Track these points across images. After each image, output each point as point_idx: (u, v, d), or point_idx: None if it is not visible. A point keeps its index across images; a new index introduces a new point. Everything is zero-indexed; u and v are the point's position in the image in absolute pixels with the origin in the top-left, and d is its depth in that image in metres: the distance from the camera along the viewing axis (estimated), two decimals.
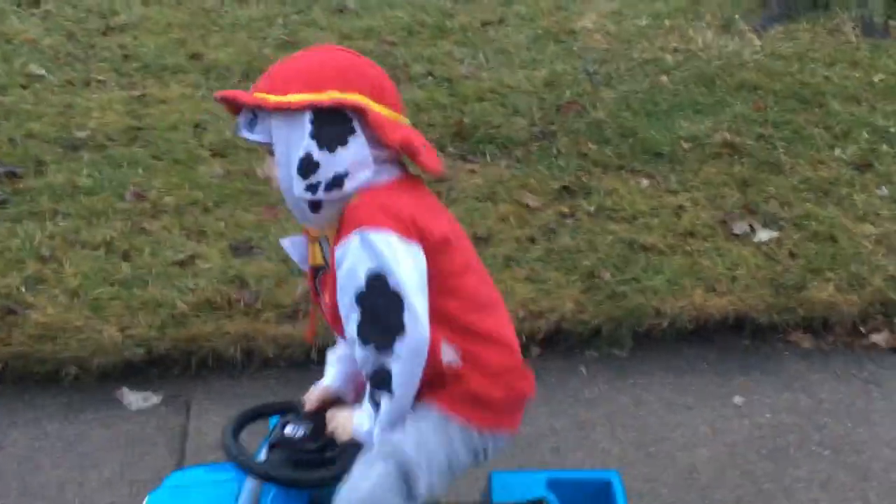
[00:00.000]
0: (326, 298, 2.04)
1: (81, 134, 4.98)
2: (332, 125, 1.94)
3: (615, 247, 4.25)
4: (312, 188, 1.95)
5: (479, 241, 4.28)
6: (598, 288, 4.04)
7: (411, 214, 1.94)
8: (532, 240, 4.34)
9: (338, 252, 1.93)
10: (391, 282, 1.87)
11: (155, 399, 3.71)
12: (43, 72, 5.63)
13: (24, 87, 5.45)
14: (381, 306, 1.87)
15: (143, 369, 3.77)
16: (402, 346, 1.87)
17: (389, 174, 2.03)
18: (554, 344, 3.98)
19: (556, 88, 5.61)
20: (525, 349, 3.41)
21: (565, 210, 4.54)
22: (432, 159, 2.02)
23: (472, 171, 4.86)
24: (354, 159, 1.95)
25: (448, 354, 1.97)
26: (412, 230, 1.92)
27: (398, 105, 2.04)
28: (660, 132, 5.13)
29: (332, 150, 1.93)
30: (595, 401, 3.75)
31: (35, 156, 4.76)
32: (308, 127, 1.93)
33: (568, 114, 5.32)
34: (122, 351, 3.71)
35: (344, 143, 1.94)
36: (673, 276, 4.09)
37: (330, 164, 1.94)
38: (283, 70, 1.99)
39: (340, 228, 1.95)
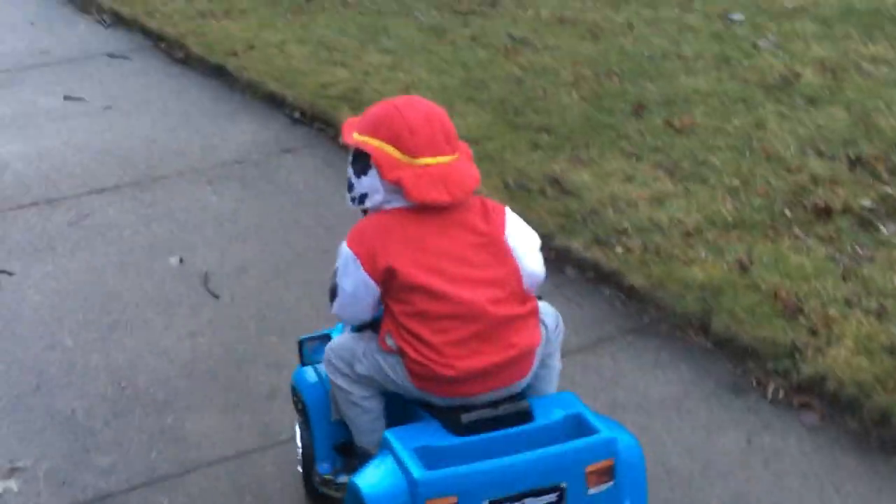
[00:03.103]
0: None
1: None
2: (360, 160, 2.84)
3: None
4: (352, 201, 2.91)
5: None
6: None
7: (372, 245, 2.78)
8: None
9: None
10: (336, 279, 2.87)
11: None
12: None
13: None
14: (330, 287, 2.91)
15: None
16: (333, 309, 2.93)
17: (399, 202, 2.80)
18: None
19: None
20: None
21: None
22: (424, 193, 2.73)
23: None
24: (369, 185, 2.83)
25: (389, 341, 2.84)
26: (363, 252, 2.78)
27: (420, 150, 2.76)
28: None
29: (358, 176, 2.85)
30: None
31: None
32: (350, 158, 2.90)
33: None
34: None
35: (365, 173, 2.83)
36: None
37: (357, 186, 2.86)
38: (365, 113, 2.90)
39: None
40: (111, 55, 8.18)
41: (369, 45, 7.54)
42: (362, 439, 3.02)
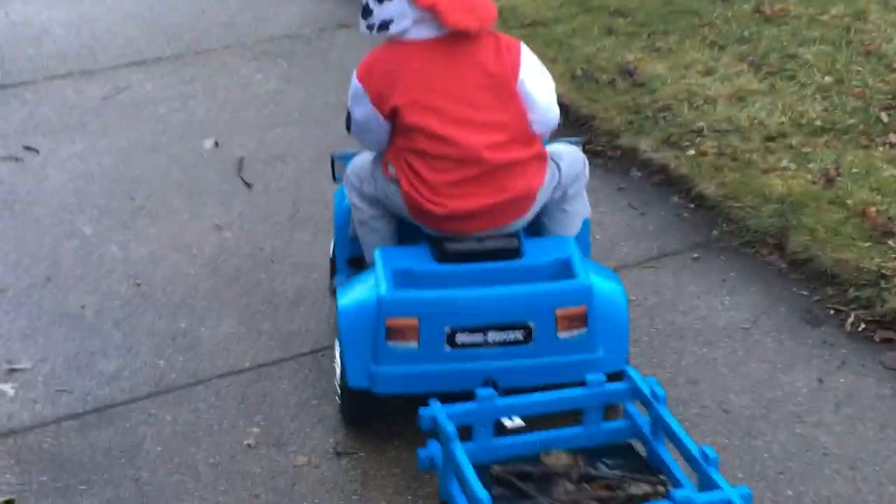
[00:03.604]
0: None
1: None
2: None
3: None
4: (369, 28, 2.82)
5: None
6: None
7: (380, 82, 2.83)
8: None
9: None
10: (349, 105, 2.93)
11: None
12: None
13: None
14: (347, 114, 2.97)
15: None
16: (351, 133, 3.02)
17: (428, 31, 2.80)
18: None
19: None
20: None
21: None
22: (459, 18, 2.75)
23: None
24: (396, 11, 2.78)
25: (390, 169, 2.89)
26: (371, 86, 2.83)
27: None
28: None
29: (380, 1, 2.78)
30: None
31: None
32: None
33: None
34: None
35: None
36: None
37: (379, 12, 2.79)
38: None
39: None
40: None
41: None
42: (368, 257, 3.06)
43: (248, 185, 4.33)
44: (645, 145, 4.36)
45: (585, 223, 3.16)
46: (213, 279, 3.77)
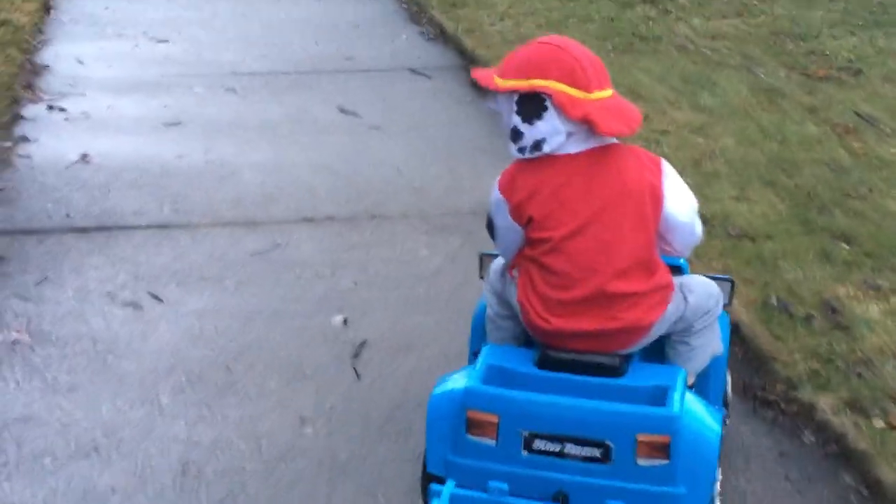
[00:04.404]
0: None
1: None
2: (529, 104, 2.73)
3: None
4: (520, 150, 2.78)
5: None
6: None
7: (520, 195, 2.79)
8: None
9: None
10: (490, 215, 2.94)
11: None
12: None
13: None
14: (488, 219, 2.97)
15: None
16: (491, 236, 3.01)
17: (576, 145, 2.77)
18: None
19: None
20: None
21: None
22: (612, 126, 2.72)
23: None
24: (549, 129, 2.74)
25: (514, 273, 2.93)
26: (512, 197, 2.80)
27: (592, 86, 2.73)
28: None
29: (530, 122, 2.74)
30: None
31: None
32: (514, 106, 2.75)
33: None
34: None
35: (539, 117, 2.73)
36: None
37: (530, 133, 2.75)
38: (509, 59, 2.79)
39: None
40: (413, 71, 7.63)
41: (685, 98, 6.55)
42: None
43: (357, 374, 3.87)
44: (825, 405, 3.60)
45: (719, 362, 3.11)
46: (269, 480, 3.30)
